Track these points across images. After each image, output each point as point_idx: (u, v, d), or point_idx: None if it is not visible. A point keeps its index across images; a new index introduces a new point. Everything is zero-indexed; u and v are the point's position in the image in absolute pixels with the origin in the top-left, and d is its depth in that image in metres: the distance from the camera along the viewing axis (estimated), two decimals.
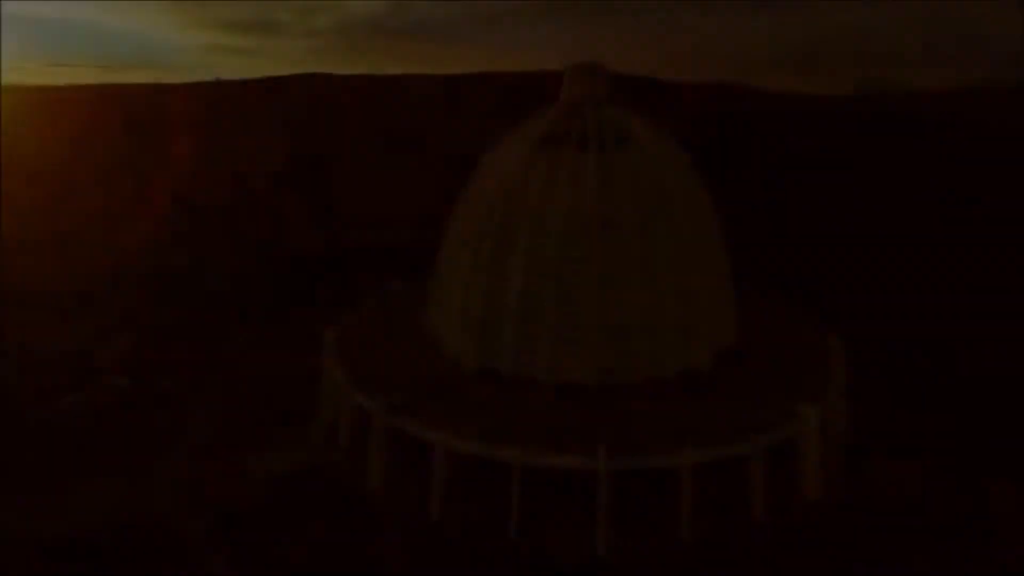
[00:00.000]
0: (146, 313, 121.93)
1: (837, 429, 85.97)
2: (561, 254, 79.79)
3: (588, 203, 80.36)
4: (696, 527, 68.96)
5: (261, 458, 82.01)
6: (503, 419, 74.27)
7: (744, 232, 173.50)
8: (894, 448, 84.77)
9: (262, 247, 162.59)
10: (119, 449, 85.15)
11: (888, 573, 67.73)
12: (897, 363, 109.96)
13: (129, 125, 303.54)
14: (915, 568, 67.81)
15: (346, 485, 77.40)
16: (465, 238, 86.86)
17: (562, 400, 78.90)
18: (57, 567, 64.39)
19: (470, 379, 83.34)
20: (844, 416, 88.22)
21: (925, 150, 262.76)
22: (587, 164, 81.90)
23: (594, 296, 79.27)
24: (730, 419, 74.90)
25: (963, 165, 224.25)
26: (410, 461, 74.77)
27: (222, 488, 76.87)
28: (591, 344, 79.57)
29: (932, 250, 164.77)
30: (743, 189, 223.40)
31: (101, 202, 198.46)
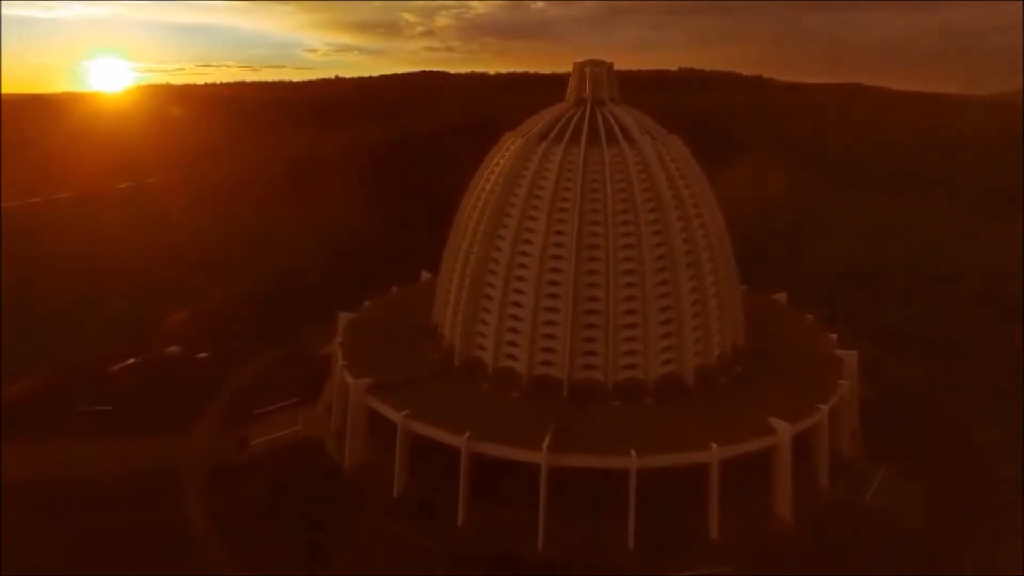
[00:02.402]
0: (202, 296, 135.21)
1: (838, 442, 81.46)
2: (543, 249, 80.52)
3: (572, 196, 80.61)
4: (647, 533, 68.18)
5: (265, 426, 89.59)
6: (465, 408, 76.53)
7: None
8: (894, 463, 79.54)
9: (323, 236, 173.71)
10: (161, 404, 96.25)
11: None
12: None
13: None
14: None
15: (329, 458, 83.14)
16: (461, 233, 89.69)
17: (532, 395, 80.00)
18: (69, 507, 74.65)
19: (455, 369, 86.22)
20: (847, 430, 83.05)
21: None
22: (576, 159, 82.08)
23: (573, 293, 79.43)
24: (696, 427, 72.93)
25: None
26: (387, 441, 78.81)
27: (224, 451, 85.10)
28: (569, 341, 79.77)
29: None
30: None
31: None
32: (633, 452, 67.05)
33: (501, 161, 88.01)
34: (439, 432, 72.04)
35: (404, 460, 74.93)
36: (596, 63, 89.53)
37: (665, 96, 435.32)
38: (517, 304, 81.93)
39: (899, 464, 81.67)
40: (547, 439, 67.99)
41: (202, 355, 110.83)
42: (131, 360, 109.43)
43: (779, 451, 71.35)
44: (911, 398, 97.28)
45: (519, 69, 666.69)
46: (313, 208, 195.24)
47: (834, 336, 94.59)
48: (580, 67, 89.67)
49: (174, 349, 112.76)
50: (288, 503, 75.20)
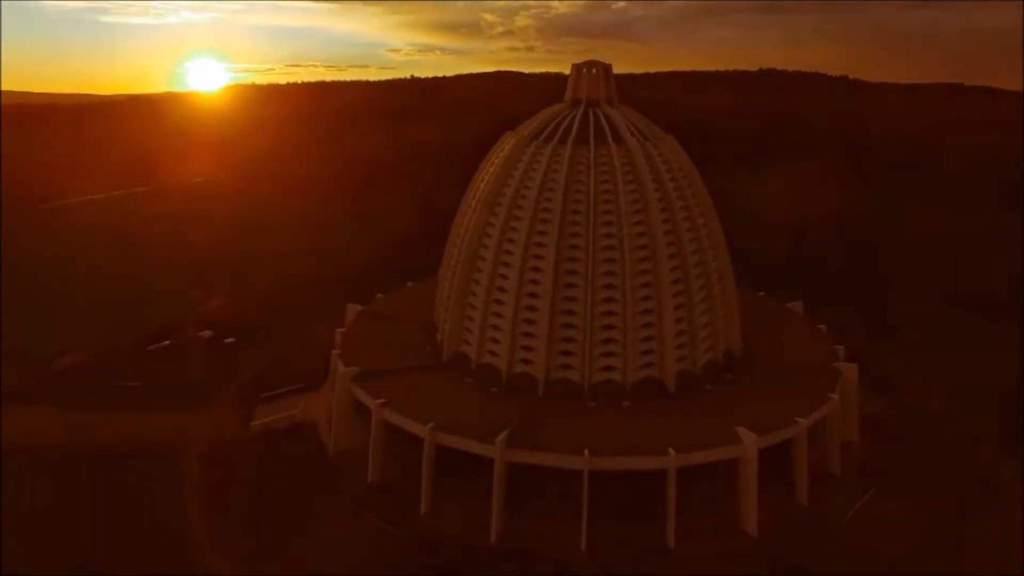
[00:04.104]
0: (245, 284, 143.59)
1: (827, 458, 78.48)
2: (525, 248, 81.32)
3: (555, 197, 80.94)
4: (603, 536, 68.04)
5: (267, 409, 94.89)
6: (439, 400, 78.39)
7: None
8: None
9: (369, 232, 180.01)
10: (182, 383, 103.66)
11: None
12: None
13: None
14: None
15: (318, 442, 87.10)
16: (456, 231, 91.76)
17: (510, 391, 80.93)
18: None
19: (443, 363, 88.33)
20: (837, 446, 79.52)
21: None
22: (562, 159, 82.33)
23: (552, 293, 79.89)
24: (662, 432, 71.88)
25: None
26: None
27: (225, 429, 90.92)
28: (546, 340, 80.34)
29: None
30: None
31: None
32: (586, 452, 67.01)
33: (494, 162, 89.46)
34: (407, 421, 74.36)
35: (379, 447, 77.71)
36: (594, 64, 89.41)
37: (736, 97, 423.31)
38: (499, 302, 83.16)
39: (894, 486, 77.62)
40: (502, 434, 68.96)
41: (229, 340, 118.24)
42: (166, 341, 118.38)
43: (745, 463, 69.30)
44: (926, 418, 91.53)
45: None
46: (364, 204, 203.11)
47: (841, 347, 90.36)
48: (577, 68, 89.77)
49: (206, 333, 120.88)
50: (271, 482, 79.62)
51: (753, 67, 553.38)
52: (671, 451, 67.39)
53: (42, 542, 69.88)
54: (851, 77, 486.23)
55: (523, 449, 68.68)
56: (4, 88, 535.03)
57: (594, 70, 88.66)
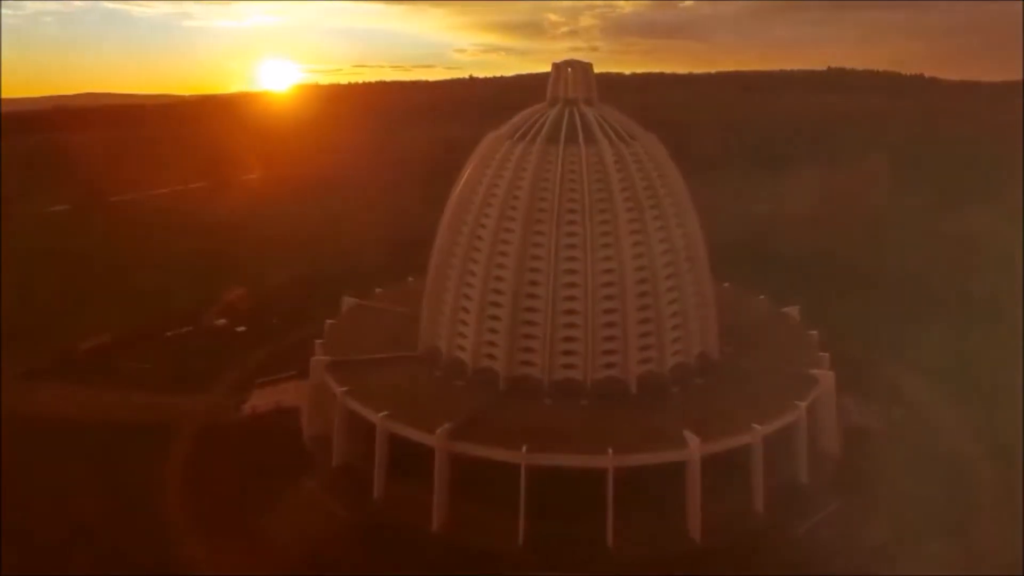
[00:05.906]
0: (259, 275, 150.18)
1: (794, 467, 76.14)
2: (492, 246, 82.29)
3: (523, 195, 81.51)
4: (543, 532, 68.42)
5: (260, 394, 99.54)
6: (401, 391, 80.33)
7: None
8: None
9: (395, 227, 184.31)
10: (189, 367, 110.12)
11: None
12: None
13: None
14: None
15: (297, 426, 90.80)
16: (440, 228, 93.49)
17: (474, 385, 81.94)
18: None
19: (416, 356, 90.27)
20: (803, 455, 76.82)
21: None
22: (530, 156, 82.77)
23: (514, 290, 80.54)
24: (608, 432, 71.39)
25: None
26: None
27: (217, 412, 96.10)
28: (508, 337, 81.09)
29: None
30: None
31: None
32: (524, 448, 67.44)
33: (475, 160, 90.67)
34: (364, 408, 76.73)
35: (343, 432, 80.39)
36: (573, 63, 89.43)
37: (801, 97, 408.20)
38: (467, 297, 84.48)
39: (865, 499, 74.34)
40: (444, 426, 70.25)
41: (240, 328, 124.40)
42: (184, 328, 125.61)
43: (689, 467, 68.04)
44: (916, 430, 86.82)
45: (657, 70, 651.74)
46: (394, 201, 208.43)
47: (826, 355, 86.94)
48: (558, 67, 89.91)
49: (221, 321, 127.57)
50: (247, 462, 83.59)
51: (822, 66, 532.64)
52: (609, 451, 66.95)
53: (35, 507, 76.28)
54: (927, 75, 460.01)
55: (464, 441, 69.73)
56: (98, 90, 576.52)
57: (570, 69, 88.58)
